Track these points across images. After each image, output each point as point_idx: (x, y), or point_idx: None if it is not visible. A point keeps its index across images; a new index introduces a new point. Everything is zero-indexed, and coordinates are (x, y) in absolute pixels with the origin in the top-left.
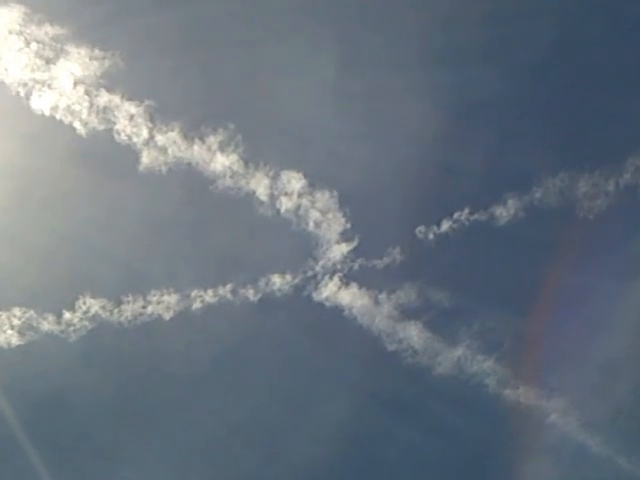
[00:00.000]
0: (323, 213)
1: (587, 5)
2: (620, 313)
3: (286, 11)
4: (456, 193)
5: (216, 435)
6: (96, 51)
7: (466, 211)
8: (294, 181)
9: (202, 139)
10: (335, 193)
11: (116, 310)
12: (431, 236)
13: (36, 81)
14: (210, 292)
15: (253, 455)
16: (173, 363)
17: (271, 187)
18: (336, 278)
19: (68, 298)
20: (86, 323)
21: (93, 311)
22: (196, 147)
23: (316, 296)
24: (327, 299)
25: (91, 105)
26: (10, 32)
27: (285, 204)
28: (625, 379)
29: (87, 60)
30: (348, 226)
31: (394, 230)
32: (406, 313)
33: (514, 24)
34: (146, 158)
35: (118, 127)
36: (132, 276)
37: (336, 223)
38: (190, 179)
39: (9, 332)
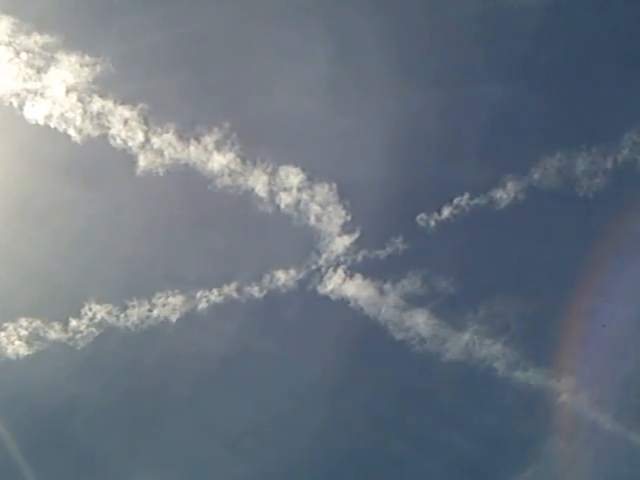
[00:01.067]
0: (323, 206)
1: None
2: (626, 290)
3: (278, 7)
4: (455, 179)
5: (230, 434)
6: (87, 57)
7: (466, 196)
8: (292, 176)
9: (198, 139)
10: (334, 186)
11: (122, 315)
12: (432, 223)
13: (28, 91)
14: (215, 291)
15: (266, 454)
16: (182, 364)
17: (270, 183)
18: (340, 270)
19: (73, 305)
20: (93, 329)
21: (99, 317)
22: (192, 147)
23: (321, 289)
24: (332, 292)
25: (85, 112)
26: None
27: (285, 200)
28: (634, 356)
29: (78, 67)
30: (349, 218)
31: (395, 219)
32: (412, 301)
33: (507, 10)
34: (143, 161)
35: (113, 132)
36: (136, 280)
37: (337, 216)
38: (188, 180)
39: (17, 343)
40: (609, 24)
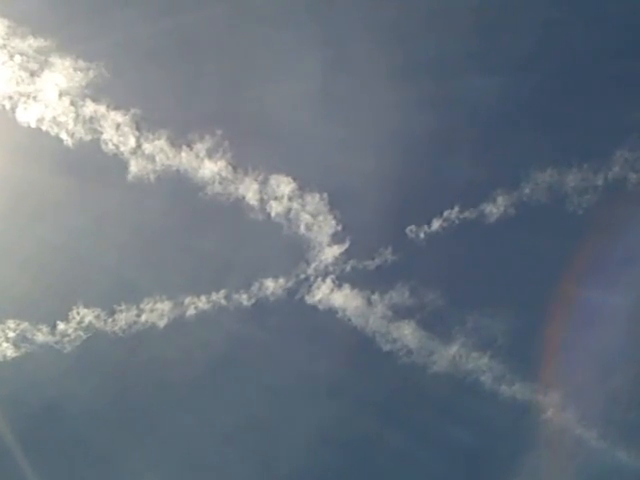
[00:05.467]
0: (314, 216)
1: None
2: (613, 304)
3: (271, 16)
4: (446, 192)
5: (213, 442)
6: (80, 62)
7: (456, 209)
8: (283, 185)
9: (190, 146)
10: (325, 196)
11: (110, 319)
12: (422, 235)
13: (21, 94)
14: (203, 298)
15: (250, 461)
16: (169, 371)
17: (261, 192)
18: (329, 280)
19: (62, 309)
20: (80, 333)
21: (87, 321)
22: (184, 154)
23: (309, 299)
24: (320, 301)
25: (77, 116)
26: None
27: (275, 208)
28: (621, 371)
29: (72, 71)
30: (339, 228)
31: (385, 230)
32: (399, 313)
33: (499, 22)
34: (134, 167)
35: (105, 137)
36: (125, 285)
37: (327, 225)
38: (179, 186)
39: (4, 345)
40: (603, 42)
